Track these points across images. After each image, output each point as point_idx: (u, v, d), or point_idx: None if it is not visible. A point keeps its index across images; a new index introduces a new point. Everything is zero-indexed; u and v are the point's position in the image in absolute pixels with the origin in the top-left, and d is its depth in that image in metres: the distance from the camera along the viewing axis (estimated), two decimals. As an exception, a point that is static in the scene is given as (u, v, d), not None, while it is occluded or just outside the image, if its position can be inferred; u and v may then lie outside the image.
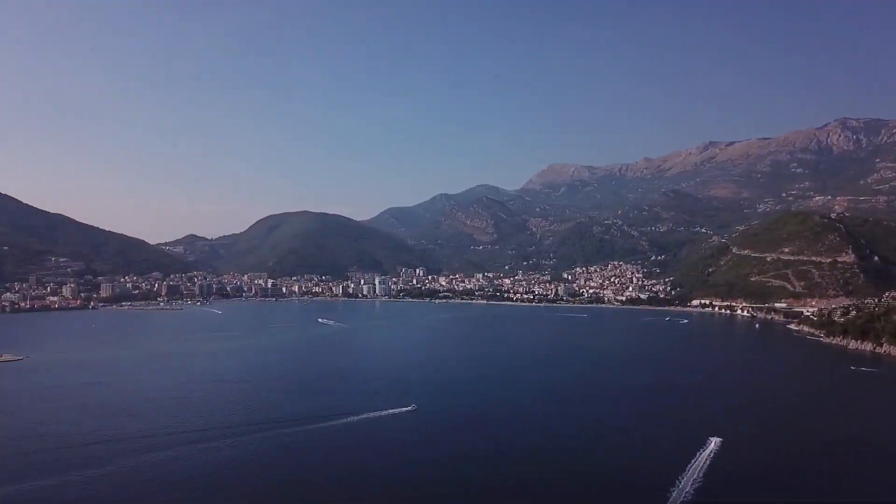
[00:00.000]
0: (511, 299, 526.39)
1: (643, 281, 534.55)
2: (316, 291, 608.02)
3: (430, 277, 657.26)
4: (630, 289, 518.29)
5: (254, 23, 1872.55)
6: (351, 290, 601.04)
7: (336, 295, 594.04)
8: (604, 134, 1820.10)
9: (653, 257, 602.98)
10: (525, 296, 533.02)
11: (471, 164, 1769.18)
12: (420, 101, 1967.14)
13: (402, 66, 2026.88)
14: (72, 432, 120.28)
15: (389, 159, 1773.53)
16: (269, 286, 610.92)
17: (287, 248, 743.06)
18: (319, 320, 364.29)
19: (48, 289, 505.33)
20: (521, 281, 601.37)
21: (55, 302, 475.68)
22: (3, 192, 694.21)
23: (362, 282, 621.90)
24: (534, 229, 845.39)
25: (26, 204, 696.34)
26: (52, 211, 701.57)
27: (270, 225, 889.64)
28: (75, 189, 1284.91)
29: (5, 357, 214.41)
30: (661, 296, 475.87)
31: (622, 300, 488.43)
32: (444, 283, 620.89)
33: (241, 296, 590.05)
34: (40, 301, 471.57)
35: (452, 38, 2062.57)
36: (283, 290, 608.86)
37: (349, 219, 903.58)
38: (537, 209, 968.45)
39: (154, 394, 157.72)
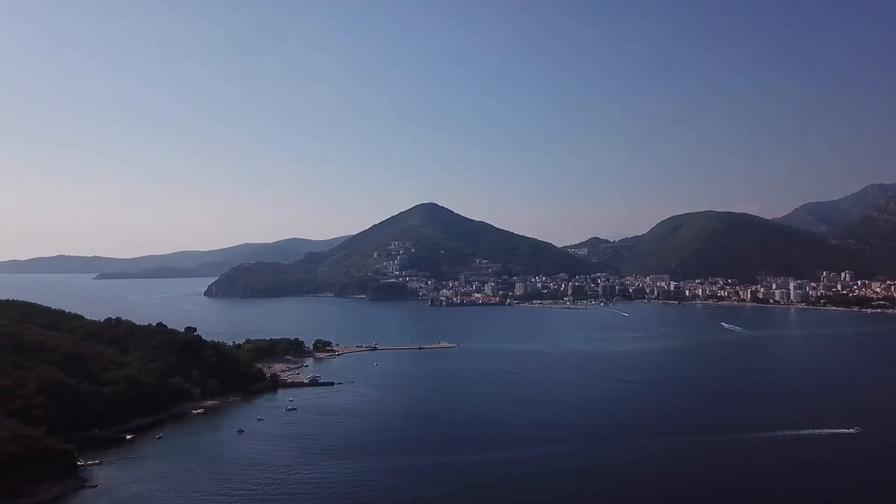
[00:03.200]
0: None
1: None
2: (720, 295, 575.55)
3: (859, 282, 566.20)
4: None
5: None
6: (760, 295, 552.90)
7: (743, 300, 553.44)
8: None
9: None
10: None
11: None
12: (836, 75, 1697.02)
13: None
14: (490, 415, 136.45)
15: (805, 148, 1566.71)
16: (672, 289, 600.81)
17: (689, 249, 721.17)
18: (724, 325, 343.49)
19: (473, 286, 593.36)
20: None
21: (479, 298, 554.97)
22: (442, 206, 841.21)
23: (773, 286, 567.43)
24: None
25: (457, 214, 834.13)
26: (476, 219, 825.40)
27: (672, 226, 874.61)
28: (496, 200, 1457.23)
29: (443, 344, 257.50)
30: None
31: None
32: (878, 290, 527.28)
33: (644, 298, 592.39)
34: (467, 297, 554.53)
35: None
36: (686, 293, 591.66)
37: (757, 217, 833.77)
38: None
39: (559, 387, 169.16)
